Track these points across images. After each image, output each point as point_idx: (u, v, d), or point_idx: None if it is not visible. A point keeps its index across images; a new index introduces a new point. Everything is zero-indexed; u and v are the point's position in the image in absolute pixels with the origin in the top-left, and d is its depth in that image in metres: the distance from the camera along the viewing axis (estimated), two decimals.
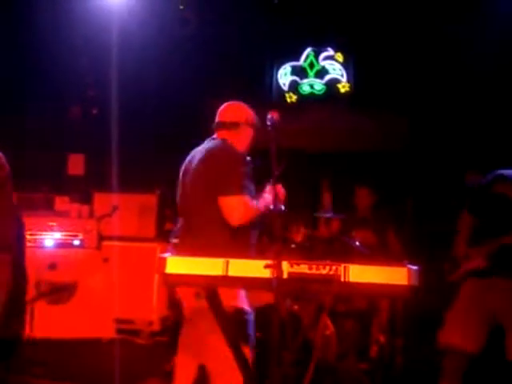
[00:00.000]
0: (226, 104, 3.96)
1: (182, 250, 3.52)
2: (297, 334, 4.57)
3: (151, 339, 6.48)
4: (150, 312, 6.50)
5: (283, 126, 3.25)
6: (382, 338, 5.26)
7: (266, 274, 2.82)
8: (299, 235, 5.84)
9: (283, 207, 3.65)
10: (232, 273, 2.86)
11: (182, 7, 7.61)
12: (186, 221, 3.71)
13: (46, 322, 5.97)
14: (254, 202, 3.59)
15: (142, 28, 7.30)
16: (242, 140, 3.82)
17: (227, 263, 2.87)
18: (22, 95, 7.18)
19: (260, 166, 3.65)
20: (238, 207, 3.50)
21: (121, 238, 6.54)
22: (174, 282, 2.99)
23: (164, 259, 2.88)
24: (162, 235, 6.76)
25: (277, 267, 2.78)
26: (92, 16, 7.08)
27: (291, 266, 2.84)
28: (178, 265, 2.89)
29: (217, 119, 3.88)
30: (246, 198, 3.52)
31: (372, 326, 5.38)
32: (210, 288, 2.99)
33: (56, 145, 7.44)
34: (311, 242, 5.80)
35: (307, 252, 5.63)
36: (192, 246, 3.58)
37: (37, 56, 7.06)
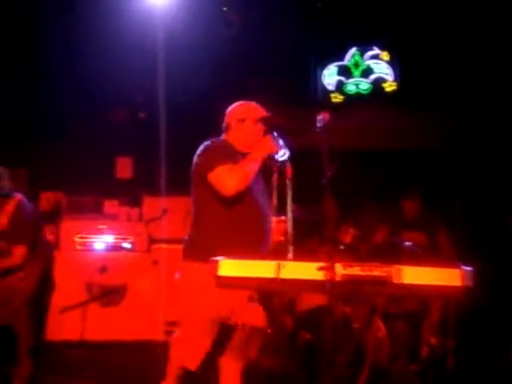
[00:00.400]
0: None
1: (185, 243, 3.80)
2: (349, 337, 4.55)
3: None
4: None
5: (333, 126, 3.23)
6: (433, 340, 5.19)
7: (319, 276, 2.81)
8: (348, 236, 5.80)
9: (283, 153, 3.65)
10: (284, 275, 2.85)
11: (225, 9, 7.62)
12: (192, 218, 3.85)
13: (97, 325, 6.04)
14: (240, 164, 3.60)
15: (186, 31, 7.32)
16: (240, 138, 3.80)
17: (279, 265, 2.86)
18: (71, 99, 7.26)
19: (312, 167, 3.63)
20: (224, 174, 3.54)
21: (170, 241, 6.57)
22: (226, 285, 2.98)
23: (216, 262, 2.88)
24: None
25: (330, 269, 2.76)
26: (137, 21, 7.13)
27: (344, 268, 2.82)
28: (230, 267, 2.88)
29: None
30: (229, 165, 3.54)
31: (423, 327, 5.32)
32: (263, 290, 2.99)
33: (104, 148, 7.52)
34: (360, 244, 5.76)
35: (356, 253, 5.59)
36: (190, 237, 3.78)
37: (84, 61, 7.13)
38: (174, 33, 7.24)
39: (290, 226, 3.63)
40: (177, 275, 3.81)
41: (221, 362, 3.75)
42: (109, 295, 6.16)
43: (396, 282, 2.75)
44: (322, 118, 3.22)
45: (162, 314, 6.27)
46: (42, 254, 4.88)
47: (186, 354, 3.72)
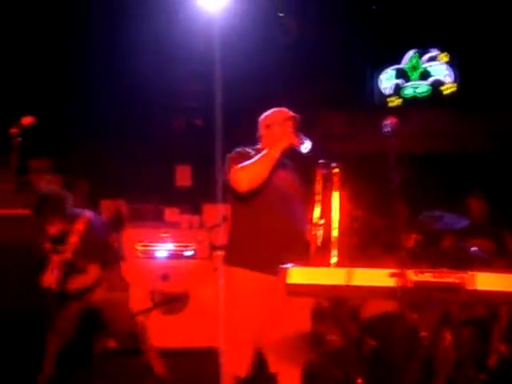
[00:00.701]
0: None
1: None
2: (417, 344, 4.47)
3: None
4: None
5: (400, 130, 3.19)
6: (502, 347, 5.05)
7: (390, 282, 2.77)
8: (410, 241, 5.71)
9: (306, 146, 3.69)
10: (355, 282, 2.82)
11: (281, 14, 7.62)
12: None
13: (159, 332, 6.06)
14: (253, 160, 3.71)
15: (243, 37, 7.35)
16: (271, 143, 3.84)
17: (350, 272, 2.83)
18: (130, 108, 7.34)
19: (377, 172, 3.59)
20: (237, 172, 3.67)
21: None
22: (296, 293, 2.96)
23: (286, 269, 2.86)
24: None
25: (402, 276, 2.72)
26: (193, 27, 7.18)
27: (416, 275, 2.78)
28: (299, 275, 2.86)
29: None
30: (238, 166, 3.68)
31: (492, 335, 5.18)
32: (333, 298, 2.96)
33: (163, 157, 7.58)
34: (423, 249, 5.66)
35: (418, 259, 5.50)
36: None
37: (143, 71, 7.20)
38: (229, 39, 7.26)
39: (334, 231, 3.61)
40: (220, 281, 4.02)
41: (278, 370, 3.77)
42: (171, 303, 6.18)
43: (469, 288, 2.71)
44: (389, 122, 3.19)
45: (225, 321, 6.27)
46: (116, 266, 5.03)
47: (234, 362, 3.77)
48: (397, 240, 3.00)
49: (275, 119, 3.98)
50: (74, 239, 4.67)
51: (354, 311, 5.04)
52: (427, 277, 2.77)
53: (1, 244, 3.87)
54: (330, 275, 2.84)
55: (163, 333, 6.10)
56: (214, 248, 6.49)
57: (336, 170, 3.64)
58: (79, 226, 4.69)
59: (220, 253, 6.50)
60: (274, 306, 3.63)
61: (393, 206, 2.92)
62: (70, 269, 4.66)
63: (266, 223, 3.74)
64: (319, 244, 3.59)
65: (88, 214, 4.80)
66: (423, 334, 4.59)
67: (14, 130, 3.79)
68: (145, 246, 6.36)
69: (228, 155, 3.88)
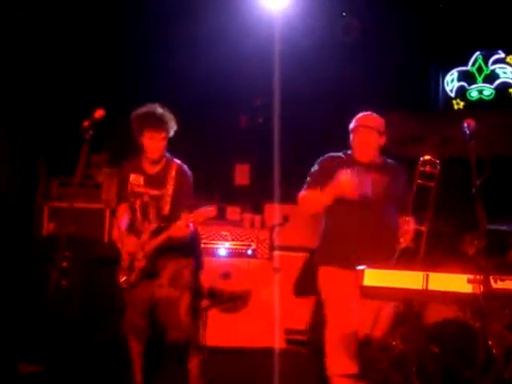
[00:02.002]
0: None
1: None
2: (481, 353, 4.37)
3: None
4: None
5: (481, 132, 3.12)
6: None
7: (468, 289, 2.71)
8: (473, 248, 5.59)
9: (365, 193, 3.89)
10: (432, 287, 2.77)
11: (344, 14, 7.54)
12: None
13: (218, 331, 6.07)
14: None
15: (304, 35, 7.30)
16: (353, 148, 4.25)
17: (427, 276, 2.77)
18: (190, 106, 7.34)
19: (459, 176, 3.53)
20: (299, 198, 4.25)
21: (291, 249, 6.57)
22: (371, 295, 2.92)
23: (362, 271, 2.82)
24: None
25: (484, 282, 2.65)
26: (256, 25, 7.17)
27: (495, 282, 2.71)
28: (375, 277, 2.82)
29: None
30: (301, 192, 4.24)
31: None
32: (409, 302, 2.91)
33: (223, 155, 7.57)
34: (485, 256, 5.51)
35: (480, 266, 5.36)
36: None
37: (202, 66, 7.21)
38: (291, 37, 7.23)
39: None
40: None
41: None
42: (231, 301, 6.18)
43: None
44: (467, 125, 3.14)
45: (283, 321, 6.25)
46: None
47: (341, 359, 3.75)
48: (482, 244, 2.92)
49: (352, 125, 4.28)
50: (170, 181, 4.55)
51: (417, 316, 4.96)
52: (507, 284, 2.71)
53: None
54: (406, 279, 2.79)
55: (222, 332, 6.12)
56: (274, 248, 6.47)
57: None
58: (173, 171, 4.58)
59: (279, 253, 6.50)
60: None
61: (474, 210, 2.85)
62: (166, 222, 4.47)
63: (350, 227, 3.88)
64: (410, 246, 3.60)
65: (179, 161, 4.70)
66: (490, 342, 4.49)
67: (85, 124, 3.76)
68: (206, 243, 6.37)
69: (315, 165, 4.26)
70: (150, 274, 4.49)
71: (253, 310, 6.25)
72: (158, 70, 7.22)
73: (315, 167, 4.24)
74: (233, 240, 6.43)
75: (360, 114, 4.27)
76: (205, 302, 5.99)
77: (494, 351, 4.34)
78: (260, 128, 7.72)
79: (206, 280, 6.21)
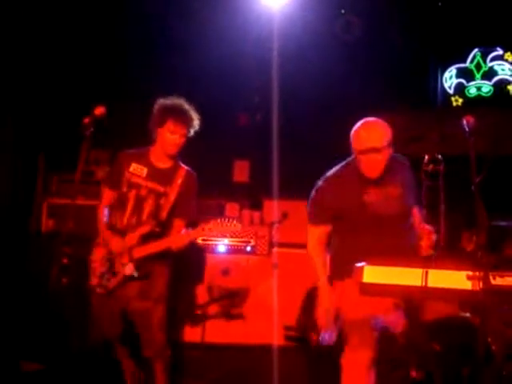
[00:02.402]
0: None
1: None
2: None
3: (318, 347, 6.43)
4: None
5: (479, 129, 3.13)
6: None
7: (468, 285, 2.72)
8: (471, 244, 5.60)
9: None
10: (431, 283, 2.77)
11: (343, 11, 7.55)
12: None
13: (217, 328, 6.08)
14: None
15: (303, 33, 7.30)
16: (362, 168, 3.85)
17: (426, 273, 2.78)
18: (191, 103, 7.34)
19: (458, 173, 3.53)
20: (308, 233, 4.24)
21: (290, 245, 6.57)
22: (371, 292, 2.92)
23: (361, 268, 2.83)
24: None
25: (483, 279, 2.66)
26: (255, 23, 7.17)
27: (494, 278, 2.72)
28: (375, 274, 2.83)
29: None
30: (312, 228, 4.18)
31: None
32: (408, 299, 2.92)
33: (222, 151, 7.57)
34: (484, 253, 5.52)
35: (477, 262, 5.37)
36: None
37: (202, 64, 7.20)
38: (291, 35, 7.23)
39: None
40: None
41: None
42: (230, 298, 6.19)
43: None
44: (466, 122, 3.13)
45: (282, 318, 6.26)
46: None
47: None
48: (482, 242, 2.93)
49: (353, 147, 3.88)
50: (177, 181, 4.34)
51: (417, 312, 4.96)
52: (507, 281, 2.72)
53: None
54: (405, 275, 2.79)
55: (221, 328, 6.13)
56: (273, 244, 6.48)
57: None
58: (182, 172, 4.40)
59: (278, 249, 6.51)
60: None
61: (473, 208, 2.86)
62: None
63: (361, 242, 3.71)
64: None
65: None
66: (490, 339, 4.50)
67: (86, 120, 3.74)
68: (205, 240, 6.37)
69: (313, 195, 4.07)
70: (137, 278, 4.19)
71: (251, 306, 6.26)
72: (156, 67, 7.21)
73: (317, 195, 3.99)
74: (232, 237, 6.43)
75: (364, 132, 3.78)
76: (204, 299, 6.03)
77: (494, 348, 4.34)
78: (259, 125, 7.71)
79: (206, 277, 6.25)
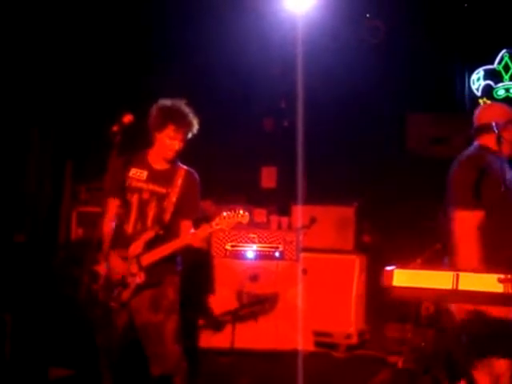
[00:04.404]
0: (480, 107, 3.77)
1: None
2: None
3: (348, 353, 6.41)
4: (348, 325, 6.43)
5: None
6: None
7: (499, 288, 2.67)
8: None
9: None
10: (462, 287, 2.74)
11: (368, 15, 7.52)
12: None
13: (247, 333, 6.08)
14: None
15: (329, 38, 7.29)
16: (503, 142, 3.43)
17: (457, 276, 2.74)
18: (216, 109, 7.36)
19: None
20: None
21: (319, 250, 6.56)
22: (401, 295, 2.89)
23: (391, 272, 2.81)
24: (360, 247, 6.71)
25: None
26: (281, 28, 7.18)
27: None
28: (405, 277, 2.80)
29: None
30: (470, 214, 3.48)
31: None
32: (439, 302, 2.89)
33: (249, 158, 7.58)
34: None
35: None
36: None
37: (228, 69, 7.22)
38: (316, 40, 7.22)
39: None
40: None
41: None
42: (259, 304, 6.18)
43: None
44: (495, 124, 3.09)
45: (311, 324, 6.25)
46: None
47: None
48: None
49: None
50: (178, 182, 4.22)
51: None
52: None
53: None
54: (436, 279, 2.76)
55: (251, 334, 6.12)
56: (301, 250, 6.47)
57: None
58: (182, 172, 4.27)
59: (306, 254, 6.50)
60: None
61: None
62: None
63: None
64: None
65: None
66: None
67: (114, 128, 3.74)
68: (234, 246, 6.38)
69: (464, 163, 3.68)
70: (151, 285, 4.07)
71: (281, 312, 6.24)
72: (184, 73, 7.24)
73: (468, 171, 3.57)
74: (260, 242, 6.43)
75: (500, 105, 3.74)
76: (234, 305, 6.03)
77: None
78: (285, 130, 7.71)
79: (235, 283, 6.25)
